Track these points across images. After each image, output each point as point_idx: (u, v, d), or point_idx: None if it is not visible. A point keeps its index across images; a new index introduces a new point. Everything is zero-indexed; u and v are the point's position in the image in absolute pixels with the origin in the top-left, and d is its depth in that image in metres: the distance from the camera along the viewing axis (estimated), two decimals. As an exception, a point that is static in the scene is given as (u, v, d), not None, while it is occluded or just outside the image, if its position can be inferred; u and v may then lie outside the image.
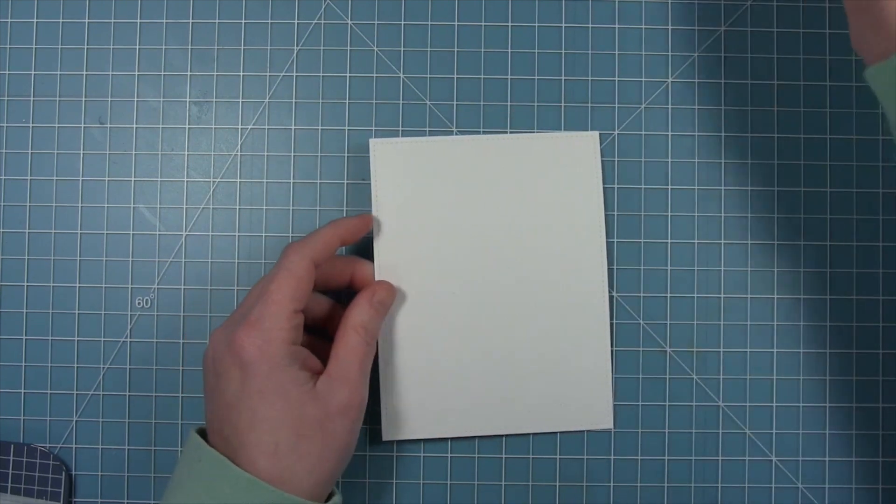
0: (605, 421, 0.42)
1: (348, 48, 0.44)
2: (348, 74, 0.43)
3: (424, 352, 0.42)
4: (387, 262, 0.42)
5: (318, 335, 0.40)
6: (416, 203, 0.42)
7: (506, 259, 0.42)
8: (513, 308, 0.42)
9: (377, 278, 0.41)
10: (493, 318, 0.42)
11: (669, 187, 0.43)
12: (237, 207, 0.43)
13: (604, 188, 0.43)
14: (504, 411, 0.42)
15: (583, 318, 0.42)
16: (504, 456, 0.43)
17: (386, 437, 0.42)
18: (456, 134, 0.43)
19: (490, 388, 0.42)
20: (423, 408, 0.42)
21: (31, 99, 0.44)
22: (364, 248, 0.42)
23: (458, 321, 0.42)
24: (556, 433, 0.43)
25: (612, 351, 0.42)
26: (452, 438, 0.43)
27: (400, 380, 0.42)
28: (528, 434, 0.43)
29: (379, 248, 0.42)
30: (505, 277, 0.42)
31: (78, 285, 0.43)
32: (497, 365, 0.42)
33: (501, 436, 0.43)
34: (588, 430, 0.43)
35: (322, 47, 0.44)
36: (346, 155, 0.43)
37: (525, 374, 0.42)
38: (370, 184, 0.42)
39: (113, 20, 0.44)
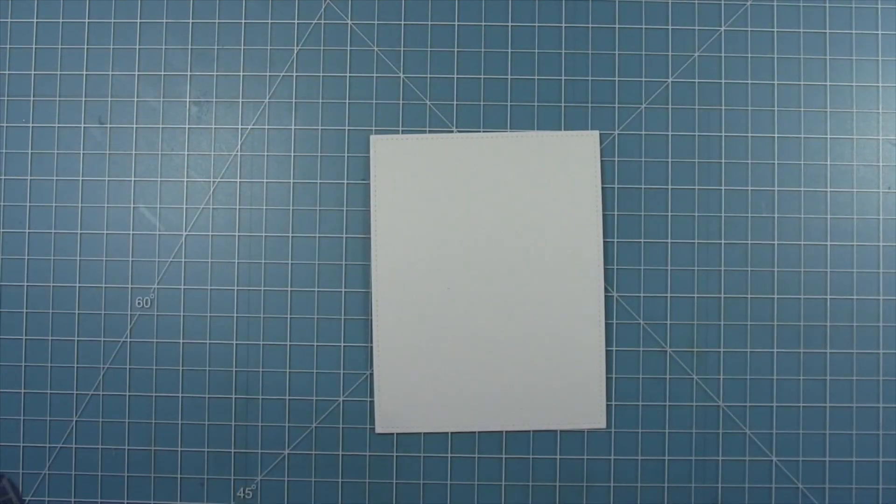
0: (598, 420, 0.42)
1: (348, 48, 0.44)
2: (348, 74, 0.43)
3: (420, 347, 0.42)
4: (384, 258, 0.42)
5: None
6: (415, 199, 0.42)
7: (503, 257, 0.42)
8: (509, 305, 0.42)
9: (374, 274, 0.41)
10: (489, 315, 0.42)
11: (669, 187, 0.43)
12: (237, 207, 0.43)
13: (604, 188, 0.43)
14: (498, 407, 0.42)
15: (578, 317, 0.42)
16: (504, 456, 0.43)
17: (379, 429, 0.42)
18: (456, 134, 0.43)
19: (484, 384, 0.42)
20: (416, 402, 0.42)
21: (31, 99, 0.44)
22: (362, 245, 0.42)
23: (454, 316, 0.42)
24: (555, 432, 0.43)
25: (605, 351, 0.42)
26: (443, 434, 0.43)
27: (395, 374, 0.42)
28: (522, 431, 0.43)
29: (376, 243, 0.42)
30: (502, 275, 0.42)
31: (78, 285, 0.43)
32: (492, 361, 0.42)
33: (496, 432, 0.43)
34: (582, 430, 0.43)
35: (322, 47, 0.44)
36: (346, 155, 0.43)
37: (519, 372, 0.42)
38: (370, 183, 0.42)
39: (113, 20, 0.44)
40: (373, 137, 0.42)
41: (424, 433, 0.43)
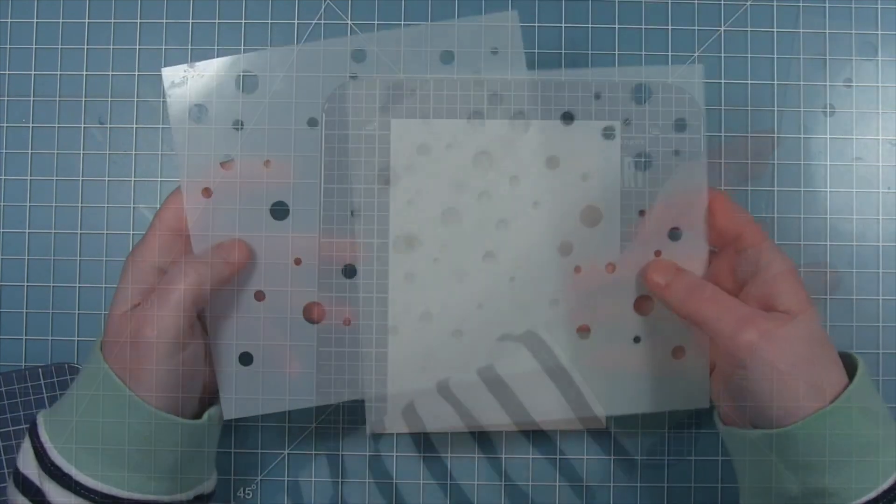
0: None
1: (348, 48, 0.43)
2: (348, 74, 0.43)
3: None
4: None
5: None
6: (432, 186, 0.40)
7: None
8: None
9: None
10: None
11: (669, 187, 0.43)
12: (237, 207, 0.43)
13: (604, 188, 0.43)
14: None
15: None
16: (504, 456, 0.43)
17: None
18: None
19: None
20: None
21: (31, 99, 0.44)
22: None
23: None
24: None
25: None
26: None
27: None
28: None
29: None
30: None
31: (78, 285, 0.43)
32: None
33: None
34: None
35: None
36: (346, 155, 0.43)
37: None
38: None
39: (113, 20, 0.44)
40: (393, 121, 0.40)
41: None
